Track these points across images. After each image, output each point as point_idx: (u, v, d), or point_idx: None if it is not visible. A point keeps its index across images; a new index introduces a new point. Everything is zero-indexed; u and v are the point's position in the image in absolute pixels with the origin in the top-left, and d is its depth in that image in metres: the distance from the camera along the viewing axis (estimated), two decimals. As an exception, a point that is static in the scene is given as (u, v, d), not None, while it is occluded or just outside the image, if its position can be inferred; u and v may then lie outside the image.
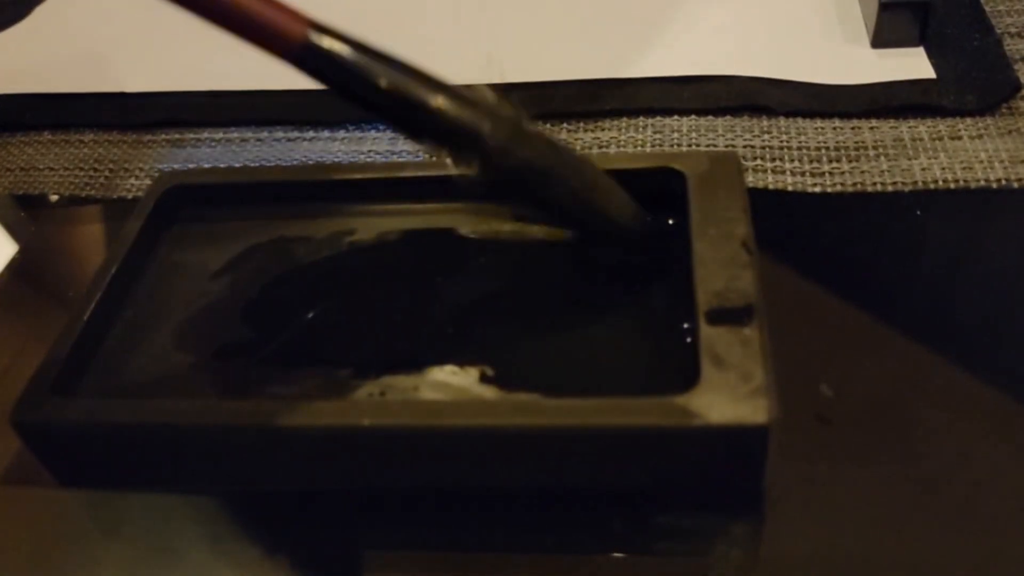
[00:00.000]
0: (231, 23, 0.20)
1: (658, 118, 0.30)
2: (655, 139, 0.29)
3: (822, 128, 0.29)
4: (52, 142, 0.33)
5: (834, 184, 0.27)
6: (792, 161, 0.28)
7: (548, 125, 0.30)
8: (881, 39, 0.31)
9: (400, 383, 0.21)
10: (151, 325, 0.24)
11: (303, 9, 0.21)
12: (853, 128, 0.29)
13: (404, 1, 0.37)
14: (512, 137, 0.21)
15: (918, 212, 0.26)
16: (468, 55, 0.33)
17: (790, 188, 0.27)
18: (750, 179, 0.27)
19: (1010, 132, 0.28)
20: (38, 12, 0.40)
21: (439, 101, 0.20)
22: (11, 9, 0.40)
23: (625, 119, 0.30)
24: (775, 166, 0.28)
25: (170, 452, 0.21)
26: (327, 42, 0.20)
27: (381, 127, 0.32)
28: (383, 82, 0.20)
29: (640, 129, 0.30)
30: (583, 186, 0.22)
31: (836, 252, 0.26)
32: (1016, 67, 0.29)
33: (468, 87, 0.21)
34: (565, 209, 0.22)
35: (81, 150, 0.33)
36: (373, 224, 0.25)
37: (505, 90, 0.31)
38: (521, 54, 0.33)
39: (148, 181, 0.31)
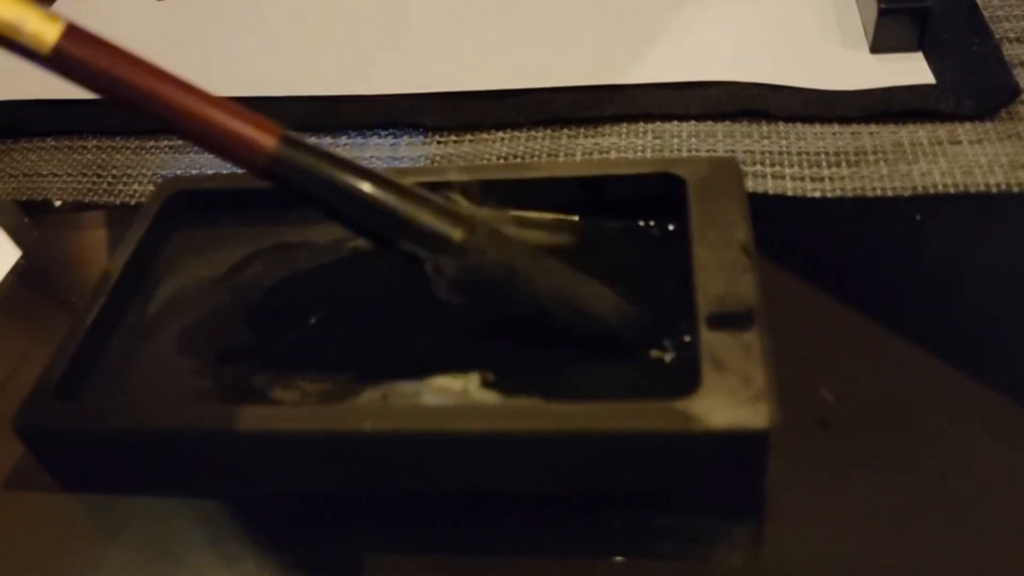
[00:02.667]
0: (200, 138, 0.20)
1: (658, 124, 0.30)
2: (655, 145, 0.29)
3: (821, 133, 0.29)
4: (56, 148, 0.34)
5: (834, 189, 0.27)
6: (792, 166, 0.28)
7: (548, 131, 0.31)
8: (880, 44, 0.31)
9: (402, 388, 0.22)
10: (154, 330, 0.24)
11: (271, 121, 0.21)
12: (853, 133, 0.29)
13: (404, 9, 0.37)
14: (486, 243, 0.21)
15: (918, 217, 0.26)
16: (469, 62, 0.34)
17: (790, 193, 0.27)
18: (750, 184, 0.27)
19: (1009, 137, 0.28)
20: (41, 19, 0.40)
21: (411, 209, 0.21)
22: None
23: (625, 125, 0.30)
24: (775, 171, 0.28)
25: (172, 456, 0.21)
26: (297, 154, 0.20)
27: (383, 133, 0.32)
28: (354, 193, 0.20)
29: (640, 135, 0.30)
30: (563, 289, 0.22)
31: (836, 257, 0.26)
32: (1015, 72, 0.29)
33: (444, 197, 0.21)
34: (545, 311, 0.22)
35: (85, 156, 0.33)
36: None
37: (505, 95, 0.32)
38: (521, 60, 0.33)
39: (151, 187, 0.31)
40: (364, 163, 0.30)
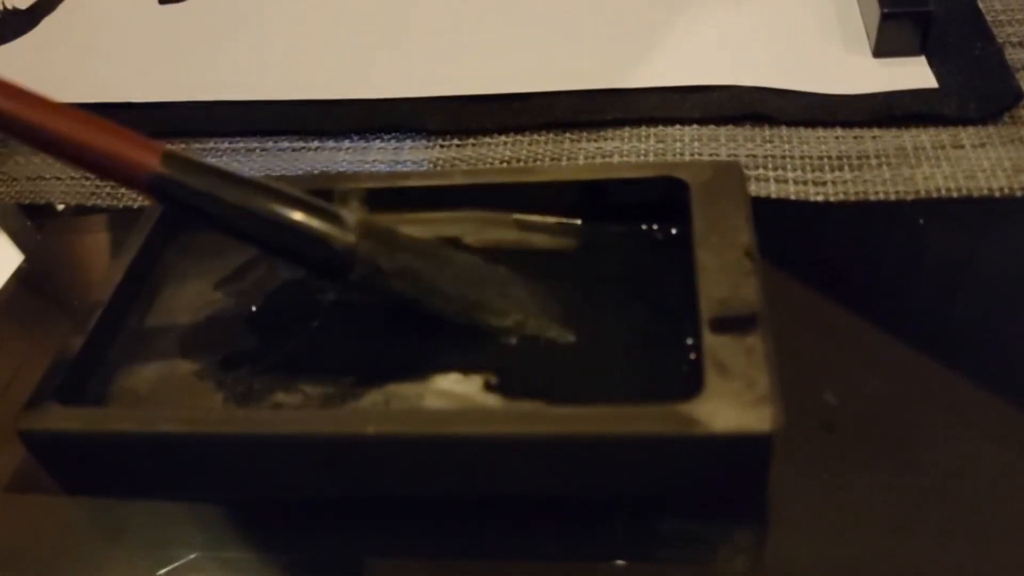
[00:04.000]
0: (81, 161, 0.21)
1: (661, 127, 0.30)
2: (658, 148, 0.29)
3: (824, 137, 0.29)
4: (58, 152, 0.34)
5: (836, 193, 0.27)
6: (795, 170, 0.28)
7: (551, 135, 0.31)
8: (883, 48, 0.31)
9: (404, 391, 0.22)
10: (156, 334, 0.24)
11: (152, 140, 0.21)
12: (855, 137, 0.29)
13: (406, 13, 0.37)
14: (379, 246, 0.21)
15: (921, 221, 0.26)
16: (472, 66, 0.34)
17: (792, 197, 0.27)
18: (753, 188, 0.27)
19: (1012, 141, 0.28)
20: (46, 23, 0.41)
21: (298, 218, 0.21)
22: (19, 20, 0.41)
23: (628, 129, 0.30)
24: (778, 175, 0.28)
25: (174, 460, 0.21)
26: (179, 172, 0.21)
27: (385, 137, 0.32)
28: (237, 206, 0.21)
29: (643, 139, 0.30)
30: (463, 284, 0.22)
31: (839, 261, 0.26)
32: (1018, 76, 0.29)
33: (331, 203, 0.21)
34: (444, 306, 0.22)
35: (87, 160, 0.33)
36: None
37: (508, 99, 0.32)
38: (524, 64, 0.33)
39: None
40: (367, 166, 0.30)
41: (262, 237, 0.21)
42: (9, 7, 0.42)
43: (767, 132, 0.29)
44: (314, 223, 0.21)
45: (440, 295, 0.22)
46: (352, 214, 0.21)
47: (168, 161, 0.21)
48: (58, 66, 0.38)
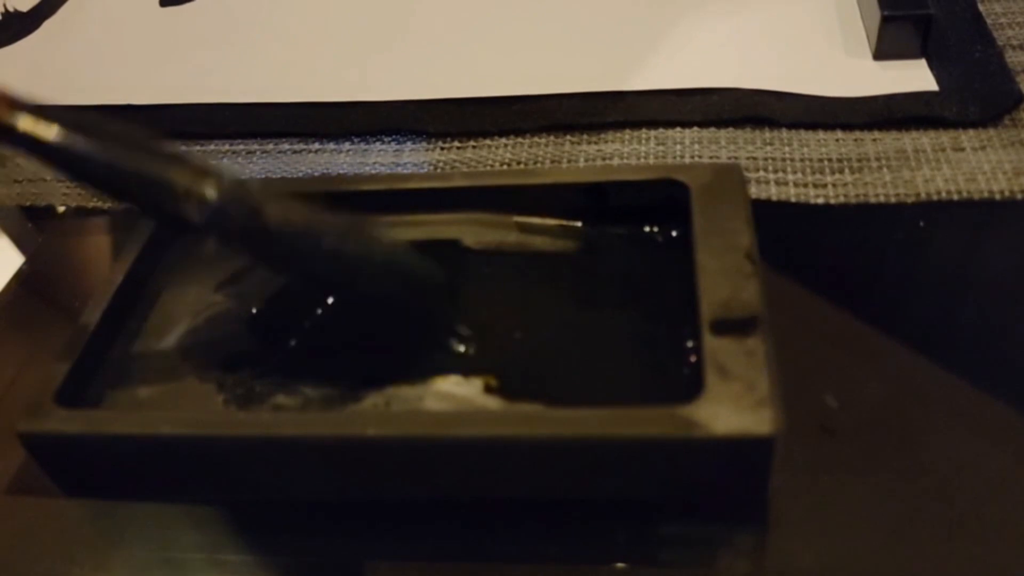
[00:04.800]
0: None
1: (661, 130, 0.30)
2: (658, 151, 0.29)
3: (824, 140, 0.29)
4: (59, 154, 0.34)
5: (837, 196, 0.27)
6: (795, 172, 0.28)
7: (552, 137, 0.31)
8: (883, 51, 0.31)
9: (405, 394, 0.22)
10: (156, 336, 0.24)
11: (5, 90, 0.20)
12: (856, 140, 0.29)
13: (407, 16, 0.37)
14: (244, 197, 0.20)
15: (921, 224, 0.26)
16: (473, 69, 0.34)
17: (793, 200, 0.27)
18: (753, 191, 0.27)
19: (1013, 143, 0.28)
20: (47, 25, 0.41)
21: (145, 164, 0.20)
22: (20, 23, 0.41)
23: (628, 131, 0.30)
24: (778, 177, 0.28)
25: (174, 463, 0.21)
26: (27, 123, 0.20)
27: (386, 139, 0.32)
28: (78, 152, 0.20)
29: (643, 141, 0.30)
30: (338, 249, 0.21)
31: (839, 263, 0.26)
32: (1018, 79, 0.29)
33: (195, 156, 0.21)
34: (313, 270, 0.22)
35: (88, 162, 0.33)
36: (378, 235, 0.26)
37: (509, 101, 0.32)
38: (524, 67, 0.33)
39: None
40: (367, 168, 0.30)
41: (106, 183, 0.21)
42: (10, 10, 0.42)
43: (767, 134, 0.29)
44: (161, 169, 0.20)
45: (311, 250, 0.21)
46: (220, 169, 0.21)
47: (16, 113, 0.20)
48: (59, 68, 0.38)
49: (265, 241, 0.21)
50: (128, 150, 0.20)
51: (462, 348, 0.22)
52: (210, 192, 0.20)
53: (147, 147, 0.21)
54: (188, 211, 0.20)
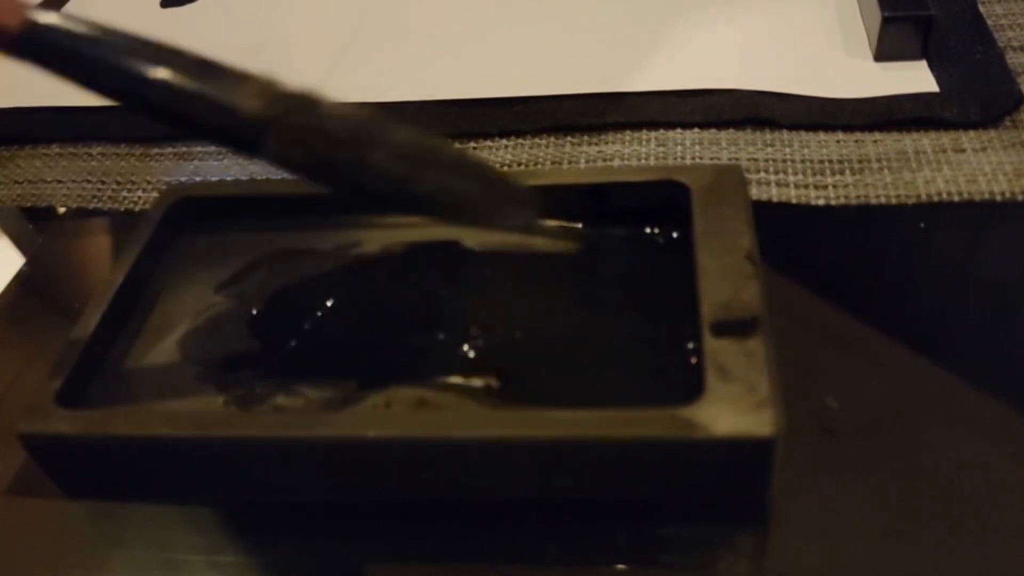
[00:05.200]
0: None
1: (662, 131, 0.30)
2: (659, 152, 0.29)
3: (825, 141, 0.29)
4: (60, 155, 0.34)
5: (838, 197, 0.27)
6: (796, 174, 0.28)
7: (552, 138, 0.31)
8: (884, 53, 0.31)
9: (405, 395, 0.22)
10: (156, 337, 0.24)
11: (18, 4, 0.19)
12: (856, 141, 0.29)
13: (408, 17, 0.37)
14: (283, 110, 0.19)
15: (922, 225, 0.26)
16: (473, 70, 0.34)
17: (794, 201, 0.27)
18: (754, 192, 0.27)
19: (1013, 145, 0.28)
20: (47, 27, 0.41)
21: (189, 80, 0.18)
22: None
23: (629, 132, 0.30)
24: (779, 179, 0.28)
25: (175, 463, 0.21)
26: (47, 25, 0.19)
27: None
28: (115, 64, 0.19)
29: (644, 142, 0.30)
30: (402, 162, 0.19)
31: (840, 265, 0.26)
32: (1019, 80, 0.29)
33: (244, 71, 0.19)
34: (386, 190, 0.19)
35: (89, 163, 0.33)
36: (378, 236, 0.26)
37: (510, 102, 0.32)
38: (525, 68, 0.33)
39: (155, 194, 0.31)
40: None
41: (147, 101, 0.19)
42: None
43: (768, 136, 0.29)
44: (209, 87, 0.18)
45: (373, 171, 0.19)
46: (269, 78, 0.19)
47: (33, 19, 0.19)
48: (60, 69, 0.38)
49: (323, 143, 0.19)
50: (152, 57, 0.19)
51: (465, 345, 0.22)
52: (259, 102, 0.18)
53: (185, 60, 0.19)
54: (241, 126, 0.18)
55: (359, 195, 0.20)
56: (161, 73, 0.18)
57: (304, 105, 0.19)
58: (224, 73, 0.19)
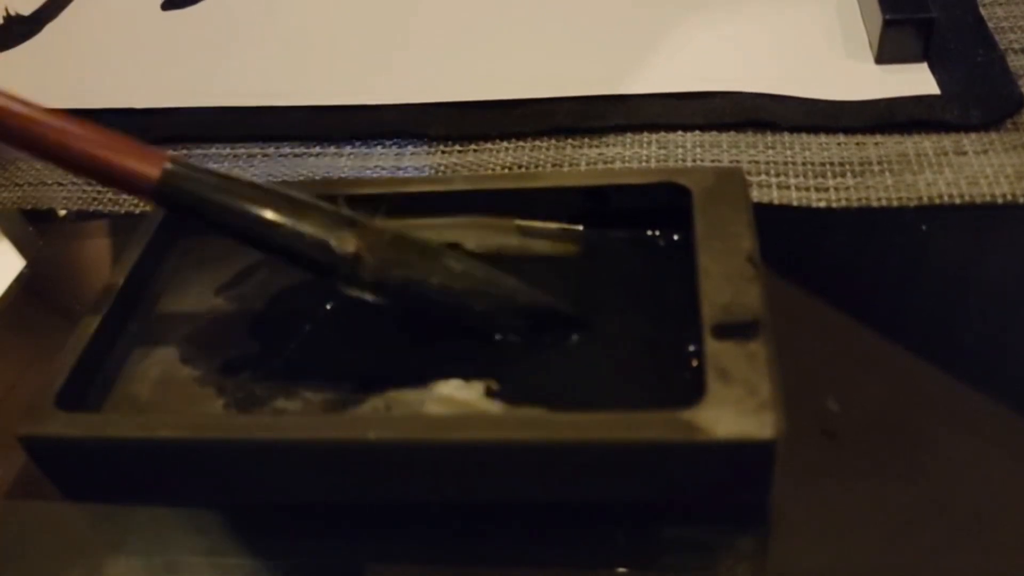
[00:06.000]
0: (89, 172, 0.22)
1: (662, 134, 0.30)
2: (660, 155, 0.29)
3: (826, 144, 0.29)
4: (61, 158, 0.34)
5: (839, 199, 0.27)
6: (797, 176, 0.28)
7: (553, 141, 0.31)
8: (885, 55, 0.31)
9: (405, 397, 0.22)
10: (157, 339, 0.24)
11: (156, 150, 0.22)
12: (857, 144, 0.29)
13: (409, 20, 0.37)
14: (383, 248, 0.21)
15: (923, 227, 0.26)
16: (474, 72, 0.34)
17: (795, 203, 0.27)
18: (755, 194, 0.27)
19: (1015, 147, 0.28)
20: (49, 29, 0.41)
21: (300, 223, 0.21)
22: (23, 26, 0.41)
23: (629, 135, 0.30)
24: (780, 181, 0.28)
25: (175, 466, 0.21)
26: (183, 180, 0.21)
27: (388, 142, 0.32)
28: (240, 211, 0.21)
29: (644, 145, 0.30)
30: (479, 282, 0.22)
31: (841, 267, 0.26)
32: (1020, 82, 0.29)
33: (336, 209, 0.22)
34: (464, 307, 0.22)
35: (89, 165, 0.33)
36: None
37: (510, 105, 0.32)
38: (526, 70, 0.33)
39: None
40: (368, 172, 0.30)
41: (265, 241, 0.22)
42: (12, 13, 0.42)
43: (769, 138, 0.29)
44: (316, 228, 0.21)
45: (455, 291, 0.22)
46: (354, 217, 0.22)
47: (171, 171, 0.21)
48: (61, 72, 0.38)
49: (395, 292, 0.22)
50: (270, 201, 0.21)
51: (465, 348, 0.22)
52: (351, 245, 0.21)
53: (289, 197, 0.22)
54: (333, 263, 0.21)
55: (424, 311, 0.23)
56: (279, 218, 0.21)
57: (391, 246, 0.22)
58: (324, 214, 0.22)
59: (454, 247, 0.24)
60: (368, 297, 0.22)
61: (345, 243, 0.21)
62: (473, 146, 0.31)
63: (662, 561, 0.20)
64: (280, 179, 0.31)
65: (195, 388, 0.23)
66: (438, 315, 0.22)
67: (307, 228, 0.21)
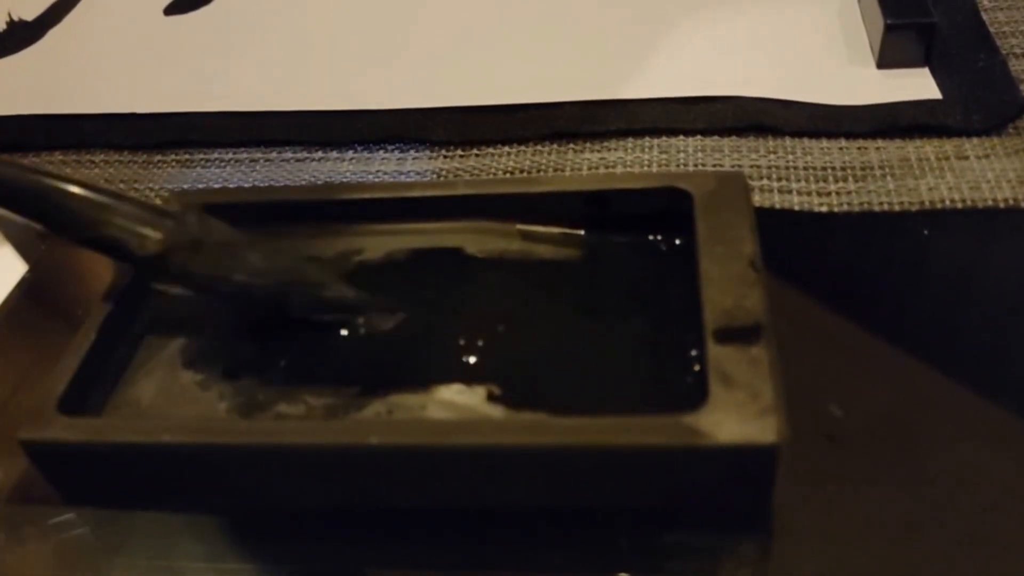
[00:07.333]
0: None
1: (664, 138, 0.30)
2: (661, 159, 0.29)
3: (828, 148, 0.29)
4: (63, 162, 0.34)
5: (840, 204, 0.27)
6: (798, 181, 0.28)
7: (555, 145, 0.31)
8: (886, 60, 0.31)
9: (407, 402, 0.21)
10: (158, 344, 0.24)
11: None
12: (859, 148, 0.29)
13: (410, 24, 0.38)
14: (192, 238, 0.22)
15: (925, 232, 0.26)
16: (475, 77, 0.34)
17: (796, 208, 0.27)
18: (756, 199, 0.27)
19: (1017, 152, 0.28)
20: (52, 35, 0.41)
21: (105, 212, 0.22)
22: (25, 31, 0.41)
23: (631, 139, 0.30)
24: (781, 186, 0.28)
25: (176, 471, 0.21)
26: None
27: (390, 147, 0.32)
28: (56, 204, 0.22)
29: (646, 149, 0.30)
30: (267, 282, 0.23)
31: (843, 271, 0.26)
32: (1022, 87, 0.29)
33: (148, 204, 0.23)
34: (279, 296, 0.24)
35: (92, 170, 0.33)
36: (381, 243, 0.26)
37: (512, 109, 0.32)
38: (527, 75, 0.33)
39: (157, 201, 0.31)
40: (371, 176, 0.30)
41: (72, 233, 0.22)
42: (15, 18, 0.42)
43: (771, 143, 0.29)
44: (121, 223, 0.22)
45: (265, 279, 0.23)
46: (169, 211, 0.22)
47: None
48: (64, 77, 0.38)
49: (200, 287, 0.23)
50: (83, 197, 0.22)
51: (467, 352, 0.22)
52: (156, 237, 0.22)
53: (99, 191, 0.22)
54: (136, 259, 0.22)
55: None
56: (85, 211, 0.22)
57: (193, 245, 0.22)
58: (137, 210, 0.22)
59: (454, 252, 0.24)
60: (176, 291, 0.24)
61: (147, 241, 0.22)
62: (475, 151, 0.31)
63: (664, 566, 0.20)
64: (282, 184, 0.31)
65: (197, 393, 0.23)
66: (259, 306, 0.24)
67: (117, 221, 0.22)
